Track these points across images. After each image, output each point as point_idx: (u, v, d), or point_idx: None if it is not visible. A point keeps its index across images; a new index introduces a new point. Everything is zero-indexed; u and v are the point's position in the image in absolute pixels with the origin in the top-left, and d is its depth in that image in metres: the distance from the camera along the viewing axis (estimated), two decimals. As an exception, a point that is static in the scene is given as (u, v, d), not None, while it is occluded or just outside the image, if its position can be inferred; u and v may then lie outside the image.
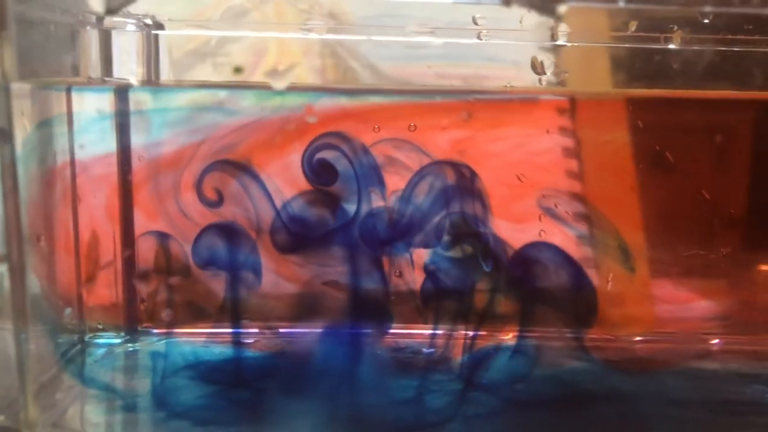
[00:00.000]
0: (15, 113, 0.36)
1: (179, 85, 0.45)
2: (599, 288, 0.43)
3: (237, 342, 0.43)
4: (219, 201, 0.41)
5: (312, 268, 0.41)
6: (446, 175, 0.41)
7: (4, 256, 0.36)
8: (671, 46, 0.42)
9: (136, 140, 0.43)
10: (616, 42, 0.44)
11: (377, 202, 0.41)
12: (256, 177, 0.41)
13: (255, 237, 0.41)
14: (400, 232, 0.41)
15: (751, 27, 0.42)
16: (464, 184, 0.41)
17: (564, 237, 0.43)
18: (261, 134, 0.42)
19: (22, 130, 0.36)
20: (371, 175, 0.41)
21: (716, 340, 0.46)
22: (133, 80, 0.44)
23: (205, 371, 0.41)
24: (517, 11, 0.42)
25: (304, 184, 0.41)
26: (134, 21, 0.44)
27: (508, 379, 0.40)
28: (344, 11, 0.43)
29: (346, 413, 0.38)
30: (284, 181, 0.41)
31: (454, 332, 0.41)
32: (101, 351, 0.44)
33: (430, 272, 0.41)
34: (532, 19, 0.42)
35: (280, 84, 0.38)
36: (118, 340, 0.45)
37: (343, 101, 0.42)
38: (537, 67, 0.43)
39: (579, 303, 0.42)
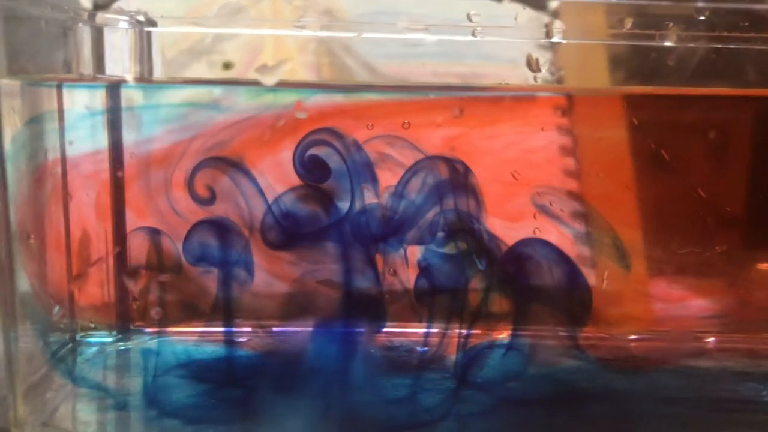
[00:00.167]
0: (4, 110, 0.35)
1: (170, 82, 0.45)
2: (595, 286, 0.43)
3: (229, 341, 0.42)
4: (211, 198, 0.41)
5: (304, 265, 0.41)
6: (439, 170, 0.40)
7: (-7, 254, 0.35)
8: (667, 43, 0.42)
9: (128, 137, 0.42)
10: (612, 39, 0.43)
11: (370, 199, 0.41)
12: (247, 174, 0.40)
13: (247, 234, 0.41)
14: (393, 228, 0.41)
15: (746, 24, 0.42)
16: (458, 179, 0.40)
17: (559, 235, 0.43)
18: (253, 131, 0.41)
19: (12, 127, 0.36)
20: (364, 172, 0.40)
21: (711, 339, 0.46)
22: (128, 77, 0.44)
23: (197, 370, 0.41)
24: (512, 8, 0.42)
25: (296, 180, 0.40)
26: (126, 18, 0.43)
27: (502, 378, 0.40)
28: (340, 8, 0.43)
29: (339, 412, 0.38)
30: (276, 177, 0.40)
31: (447, 330, 0.41)
32: (93, 350, 0.44)
33: (423, 269, 0.41)
34: (526, 15, 0.42)
35: (269, 80, 0.38)
36: (109, 339, 0.45)
37: (337, 98, 0.42)
38: (532, 65, 0.42)
39: (573, 301, 0.42)
